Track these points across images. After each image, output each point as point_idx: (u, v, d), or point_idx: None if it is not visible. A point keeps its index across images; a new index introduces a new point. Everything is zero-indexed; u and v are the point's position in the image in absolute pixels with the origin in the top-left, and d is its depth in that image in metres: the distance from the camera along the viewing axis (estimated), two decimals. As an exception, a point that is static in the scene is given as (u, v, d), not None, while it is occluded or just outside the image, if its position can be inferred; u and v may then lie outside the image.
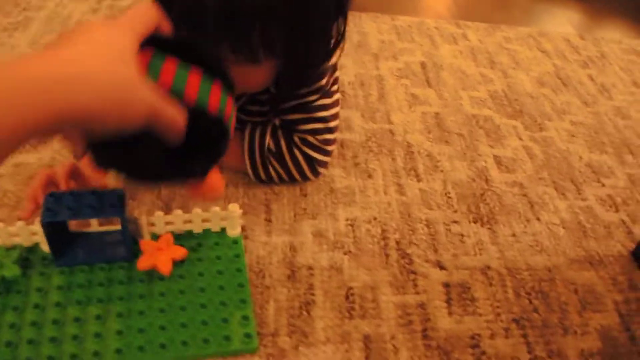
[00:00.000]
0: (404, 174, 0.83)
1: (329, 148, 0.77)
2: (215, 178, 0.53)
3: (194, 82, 0.43)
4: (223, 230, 0.68)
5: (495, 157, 0.89)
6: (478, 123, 0.96)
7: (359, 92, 0.98)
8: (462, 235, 0.75)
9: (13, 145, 0.33)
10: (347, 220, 0.74)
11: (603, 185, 0.88)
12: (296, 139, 0.75)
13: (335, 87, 0.76)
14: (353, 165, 0.83)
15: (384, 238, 0.72)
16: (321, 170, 0.78)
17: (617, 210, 0.84)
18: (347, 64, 1.05)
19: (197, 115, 0.42)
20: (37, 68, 0.33)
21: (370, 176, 0.81)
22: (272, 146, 0.74)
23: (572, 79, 1.14)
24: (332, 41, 0.63)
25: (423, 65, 1.09)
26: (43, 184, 0.60)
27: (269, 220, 0.72)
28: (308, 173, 0.77)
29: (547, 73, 1.14)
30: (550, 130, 0.98)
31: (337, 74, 0.76)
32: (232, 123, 0.47)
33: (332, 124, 0.76)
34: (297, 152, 0.75)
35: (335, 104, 0.76)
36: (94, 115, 0.35)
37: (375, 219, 0.75)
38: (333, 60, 0.69)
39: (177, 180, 0.51)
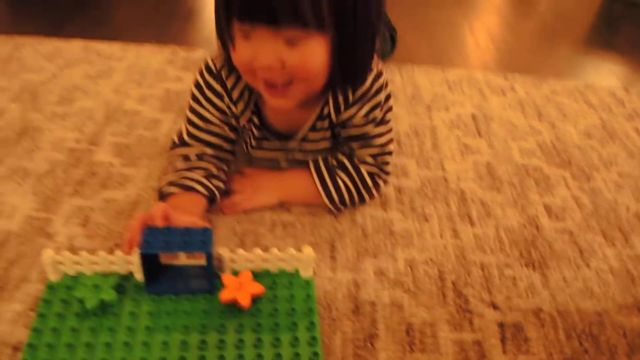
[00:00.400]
0: (458, 219, 0.88)
1: (387, 168, 0.87)
2: None
3: None
4: (296, 271, 0.74)
5: (545, 205, 0.94)
6: (528, 172, 1.01)
7: (413, 141, 1.04)
8: (515, 279, 0.79)
9: None
10: (405, 260, 0.80)
11: (651, 234, 0.92)
12: (356, 160, 0.85)
13: (389, 116, 0.85)
14: (410, 209, 0.89)
15: (441, 279, 0.78)
16: (382, 184, 0.88)
17: (665, 259, 0.87)
18: (402, 115, 1.12)
19: None
20: None
21: (426, 220, 0.87)
22: (335, 163, 0.85)
23: (618, 131, 1.18)
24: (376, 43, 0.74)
25: (474, 116, 1.15)
26: (141, 224, 0.68)
27: (333, 258, 0.79)
28: (370, 183, 0.85)
29: (594, 125, 1.19)
30: (598, 180, 1.02)
31: (390, 102, 0.84)
32: None
33: (387, 149, 0.86)
34: (360, 167, 0.85)
35: (390, 131, 0.86)
36: None
37: (432, 260, 0.80)
38: (382, 95, 0.79)
39: None
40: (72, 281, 0.69)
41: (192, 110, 0.83)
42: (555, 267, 0.82)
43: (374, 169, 0.86)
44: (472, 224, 0.88)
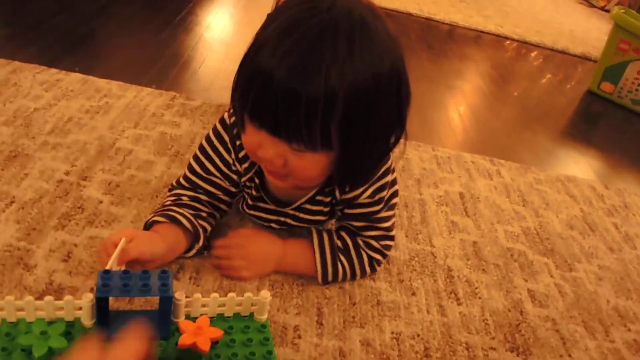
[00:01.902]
0: (445, 296, 0.88)
1: (387, 252, 0.86)
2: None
3: None
4: (251, 314, 0.71)
5: (529, 290, 0.95)
6: (512, 256, 1.02)
7: (403, 213, 1.05)
8: (499, 362, 0.79)
9: None
10: (392, 333, 0.79)
11: (629, 330, 0.93)
12: (360, 242, 0.84)
13: (394, 200, 0.85)
14: (398, 281, 0.88)
15: (427, 355, 0.77)
16: (378, 267, 0.87)
17: (643, 357, 0.88)
18: (393, 185, 1.13)
19: None
20: None
21: (414, 294, 0.87)
22: (340, 245, 0.83)
23: (599, 225, 1.22)
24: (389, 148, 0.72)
25: (461, 195, 1.17)
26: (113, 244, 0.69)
27: (320, 324, 0.77)
28: (368, 270, 0.85)
29: (575, 216, 1.22)
30: (580, 271, 1.04)
31: (395, 187, 0.85)
32: None
33: (392, 233, 0.86)
34: (362, 253, 0.83)
35: (394, 215, 0.85)
36: None
37: (418, 335, 0.79)
38: (389, 177, 0.79)
39: None
40: (12, 328, 0.63)
41: (196, 159, 0.83)
42: (539, 354, 0.82)
43: (377, 255, 0.85)
44: (458, 302, 0.88)
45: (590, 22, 3.73)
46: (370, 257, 0.84)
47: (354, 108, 0.61)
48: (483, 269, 0.97)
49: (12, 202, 0.85)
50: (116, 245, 0.68)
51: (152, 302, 0.70)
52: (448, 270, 0.94)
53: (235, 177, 0.82)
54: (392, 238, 0.86)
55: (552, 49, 2.72)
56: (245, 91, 0.63)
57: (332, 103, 0.59)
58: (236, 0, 2.15)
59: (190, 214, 0.79)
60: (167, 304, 0.64)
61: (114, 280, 0.62)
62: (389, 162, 0.80)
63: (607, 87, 2.16)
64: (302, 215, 0.84)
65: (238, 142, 0.79)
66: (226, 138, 0.80)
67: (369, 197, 0.79)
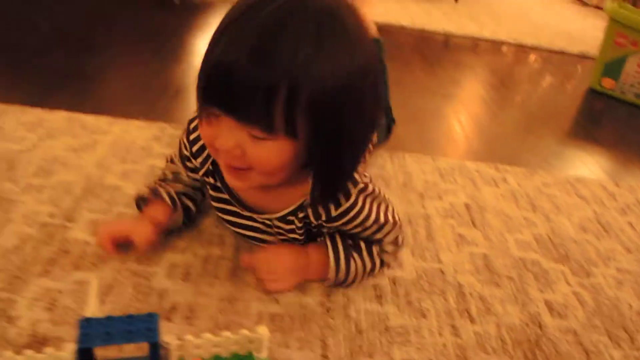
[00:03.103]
0: (457, 315, 0.83)
1: (397, 246, 0.85)
2: None
3: None
4: (250, 353, 0.66)
5: (547, 302, 0.89)
6: (526, 266, 0.97)
7: (407, 230, 1.00)
8: (521, 384, 0.73)
9: None
10: (403, 360, 0.73)
11: (657, 337, 0.87)
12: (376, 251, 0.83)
13: (390, 215, 0.81)
14: (406, 303, 0.83)
15: (442, 382, 0.71)
16: (390, 259, 0.86)
17: (675, 365, 0.82)
18: (394, 203, 1.08)
19: None
20: None
21: (423, 315, 0.81)
22: (350, 242, 0.80)
23: (613, 225, 1.16)
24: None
25: (467, 206, 1.12)
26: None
27: (325, 357, 0.72)
28: (378, 263, 0.83)
29: (588, 219, 1.17)
30: (598, 276, 0.98)
31: (391, 208, 0.81)
32: None
33: (399, 240, 0.84)
34: (372, 246, 0.82)
35: (394, 225, 0.81)
36: None
37: (431, 360, 0.74)
38: (368, 190, 0.77)
39: None
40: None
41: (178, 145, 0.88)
42: (562, 371, 0.76)
43: (390, 258, 0.86)
44: (472, 320, 0.82)
45: (585, 20, 3.70)
46: (378, 255, 0.83)
47: (323, 101, 0.61)
48: (496, 283, 0.91)
49: (-6, 250, 0.81)
50: (111, 237, 0.80)
51: (144, 346, 0.65)
52: (459, 287, 0.89)
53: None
54: (401, 245, 0.86)
55: (550, 51, 2.69)
56: (206, 78, 0.63)
57: (294, 91, 0.59)
58: (225, 27, 2.13)
59: (174, 191, 0.86)
60: (155, 349, 0.59)
61: (96, 327, 0.57)
62: (354, 196, 0.75)
63: (608, 83, 2.11)
64: (274, 229, 0.82)
65: (192, 137, 0.80)
66: (183, 138, 0.84)
67: (357, 226, 0.78)
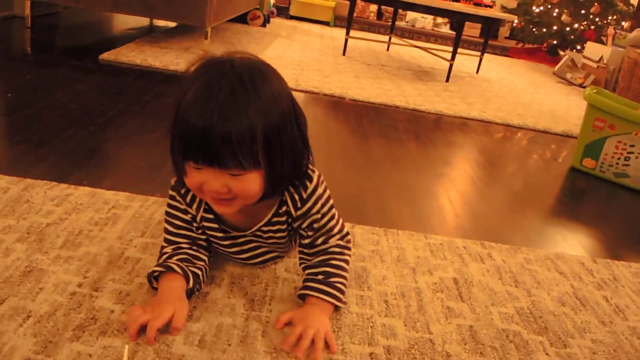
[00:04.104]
0: (445, 382, 0.91)
1: (350, 244, 1.09)
2: None
3: None
4: None
5: (526, 371, 0.98)
6: (508, 337, 1.06)
7: (400, 302, 1.10)
8: None
9: None
10: (396, 422, 0.82)
11: (628, 405, 0.95)
12: (333, 251, 1.05)
13: (329, 205, 1.04)
14: (399, 370, 0.92)
15: None
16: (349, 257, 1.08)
17: None
18: (389, 276, 1.19)
19: None
20: None
21: (414, 382, 0.90)
22: (321, 277, 1.03)
23: (589, 299, 1.26)
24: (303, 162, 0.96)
25: (455, 280, 1.23)
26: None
27: (326, 418, 0.80)
28: (347, 253, 1.07)
29: (566, 293, 1.27)
30: (574, 347, 1.07)
31: (327, 197, 1.03)
32: None
33: (345, 230, 1.08)
34: (342, 254, 1.06)
35: (335, 214, 1.06)
36: None
37: (421, 423, 0.82)
38: (320, 190, 1.00)
39: None
40: None
41: (166, 222, 1.06)
42: None
43: (348, 252, 1.07)
44: (458, 387, 0.91)
45: (569, 99, 3.91)
46: (346, 254, 1.06)
47: (270, 135, 0.85)
48: (480, 352, 1.00)
49: (28, 316, 0.90)
50: (137, 322, 0.88)
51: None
52: (447, 356, 0.98)
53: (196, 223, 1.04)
54: (347, 233, 1.08)
55: (534, 130, 2.85)
56: (186, 143, 0.84)
57: (254, 134, 0.82)
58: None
59: (178, 259, 1.01)
60: None
61: None
62: (315, 180, 0.99)
63: (589, 163, 2.26)
64: (265, 235, 1.05)
65: (182, 190, 1.00)
66: (175, 195, 1.02)
67: (317, 210, 1.00)
